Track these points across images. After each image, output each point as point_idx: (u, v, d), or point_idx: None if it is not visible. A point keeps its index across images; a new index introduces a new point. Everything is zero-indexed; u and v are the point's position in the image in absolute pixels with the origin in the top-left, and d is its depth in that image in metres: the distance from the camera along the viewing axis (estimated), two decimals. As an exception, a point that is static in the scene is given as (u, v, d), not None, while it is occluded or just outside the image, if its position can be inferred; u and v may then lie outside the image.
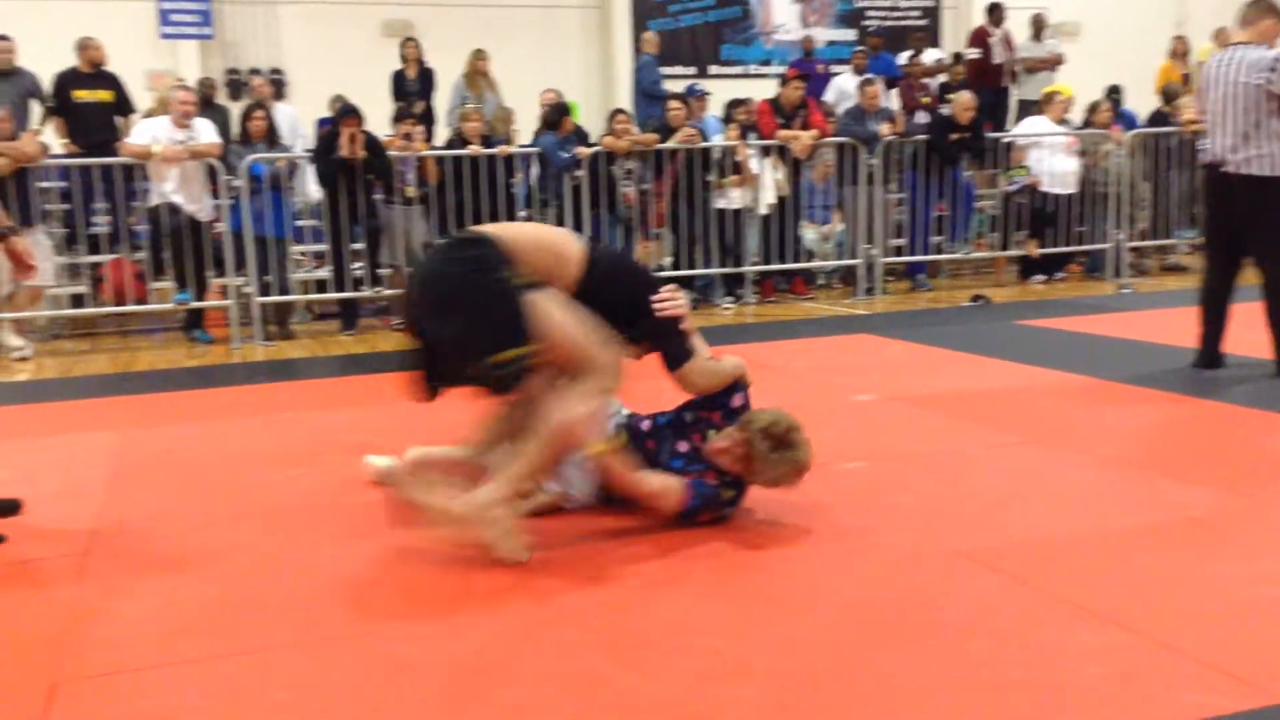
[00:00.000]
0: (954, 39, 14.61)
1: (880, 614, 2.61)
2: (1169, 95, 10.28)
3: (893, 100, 10.45)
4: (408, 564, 3.07)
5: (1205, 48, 11.96)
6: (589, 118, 9.44)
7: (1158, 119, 10.19)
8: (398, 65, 9.86)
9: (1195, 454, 3.91)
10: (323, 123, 9.66)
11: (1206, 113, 5.35)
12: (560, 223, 8.36)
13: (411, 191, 8.04)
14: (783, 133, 8.83)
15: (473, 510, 2.98)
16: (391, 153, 7.92)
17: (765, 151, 8.82)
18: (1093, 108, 9.87)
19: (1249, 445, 4.03)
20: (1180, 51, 12.03)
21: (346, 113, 7.73)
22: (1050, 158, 9.40)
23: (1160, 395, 4.81)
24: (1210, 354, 5.32)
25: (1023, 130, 9.78)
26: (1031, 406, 4.73)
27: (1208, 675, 2.23)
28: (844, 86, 10.85)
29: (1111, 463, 3.81)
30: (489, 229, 3.18)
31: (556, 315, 3.00)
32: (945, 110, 9.94)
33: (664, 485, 3.24)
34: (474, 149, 8.03)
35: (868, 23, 15.04)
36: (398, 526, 3.14)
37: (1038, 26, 11.64)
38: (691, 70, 14.43)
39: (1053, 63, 11.57)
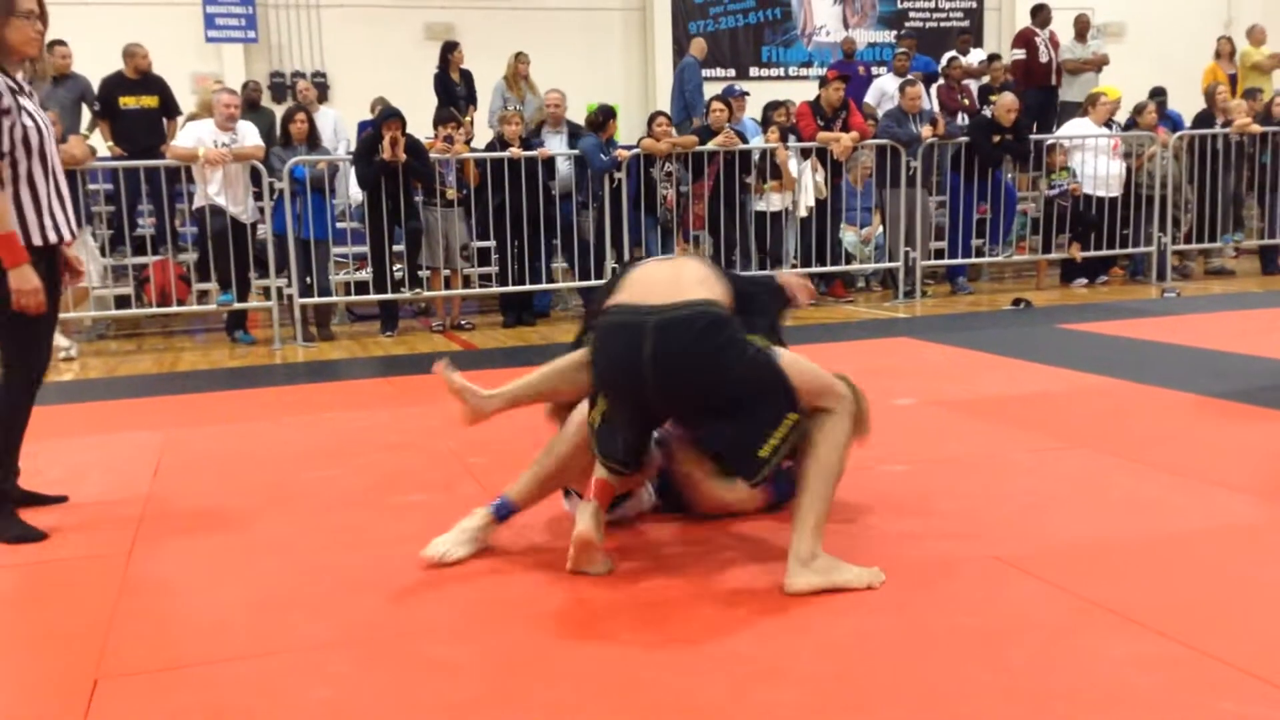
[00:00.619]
0: (996, 40, 14.50)
1: (920, 619, 2.59)
2: (1209, 96, 10.14)
3: (933, 102, 10.39)
4: (446, 564, 3.08)
5: (1246, 49, 11.80)
6: (628, 120, 9.46)
7: (1203, 120, 10.05)
8: (437, 68, 9.92)
9: (1242, 461, 3.84)
10: (364, 125, 9.75)
11: None
12: (600, 225, 8.39)
13: (452, 193, 8.09)
14: (823, 135, 8.80)
15: (820, 574, 2.78)
16: (432, 155, 7.97)
17: (805, 154, 8.79)
18: (1138, 109, 9.76)
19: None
20: (1227, 52, 11.85)
21: (388, 115, 7.79)
22: (1094, 160, 9.29)
23: (1206, 401, 4.74)
24: None
25: (1066, 132, 9.68)
26: (1073, 411, 4.67)
27: (1249, 685, 2.19)
28: (886, 88, 10.79)
29: (1156, 468, 3.76)
30: (690, 289, 2.89)
31: (798, 363, 2.86)
32: (987, 112, 9.87)
33: (740, 498, 3.27)
34: (514, 151, 8.07)
35: (910, 24, 14.95)
36: None
37: (1082, 27, 11.51)
38: (731, 72, 14.41)
39: (1097, 64, 11.44)
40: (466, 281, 8.68)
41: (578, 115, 9.44)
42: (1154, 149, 9.46)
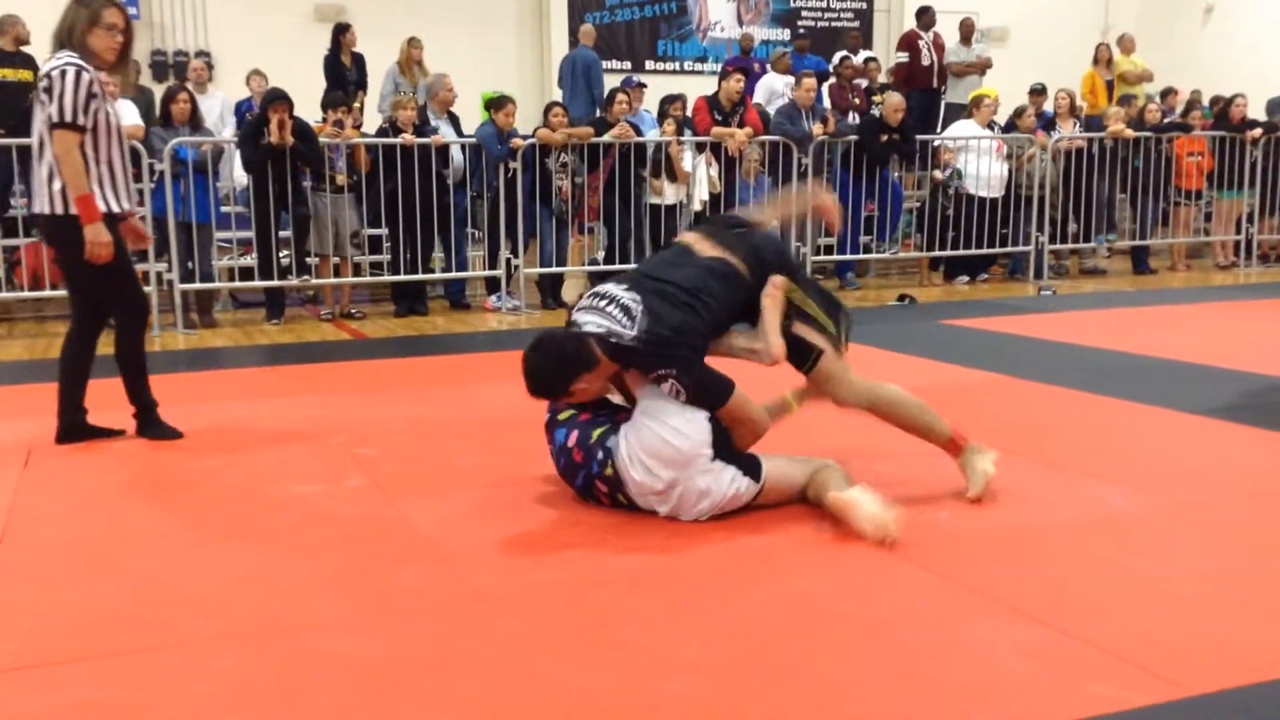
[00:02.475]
0: (885, 41, 14.80)
1: (809, 608, 2.64)
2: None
3: (824, 100, 10.57)
4: (335, 556, 3.03)
5: (1117, 58, 12.31)
6: (523, 110, 9.39)
7: (1084, 125, 10.45)
8: (328, 50, 9.71)
9: (1114, 454, 4.01)
10: (241, 104, 9.50)
11: None
12: (494, 215, 8.32)
13: (342, 179, 7.93)
14: (717, 130, 8.88)
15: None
16: (322, 139, 7.80)
17: (699, 148, 8.85)
18: (1019, 112, 10.08)
19: (1169, 445, 4.15)
20: (1105, 59, 12.34)
21: (275, 98, 7.59)
22: (978, 161, 9.57)
23: (1080, 395, 4.93)
24: None
25: (951, 133, 9.95)
26: (955, 404, 4.80)
27: (1123, 669, 2.29)
28: (773, 86, 10.94)
29: (1034, 460, 3.89)
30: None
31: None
32: (875, 112, 10.08)
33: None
34: (407, 138, 7.95)
35: (802, 24, 15.17)
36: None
37: (966, 31, 11.84)
38: (627, 65, 14.41)
39: (980, 67, 11.79)
40: (357, 269, 8.52)
41: (472, 103, 9.33)
42: (1033, 150, 9.79)
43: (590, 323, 3.27)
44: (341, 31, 9.78)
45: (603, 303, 3.31)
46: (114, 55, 4.13)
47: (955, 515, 3.32)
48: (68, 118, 4.00)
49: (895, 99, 9.39)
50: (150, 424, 4.42)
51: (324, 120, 8.02)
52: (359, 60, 9.86)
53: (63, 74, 3.99)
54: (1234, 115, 10.43)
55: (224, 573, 2.92)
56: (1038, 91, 10.64)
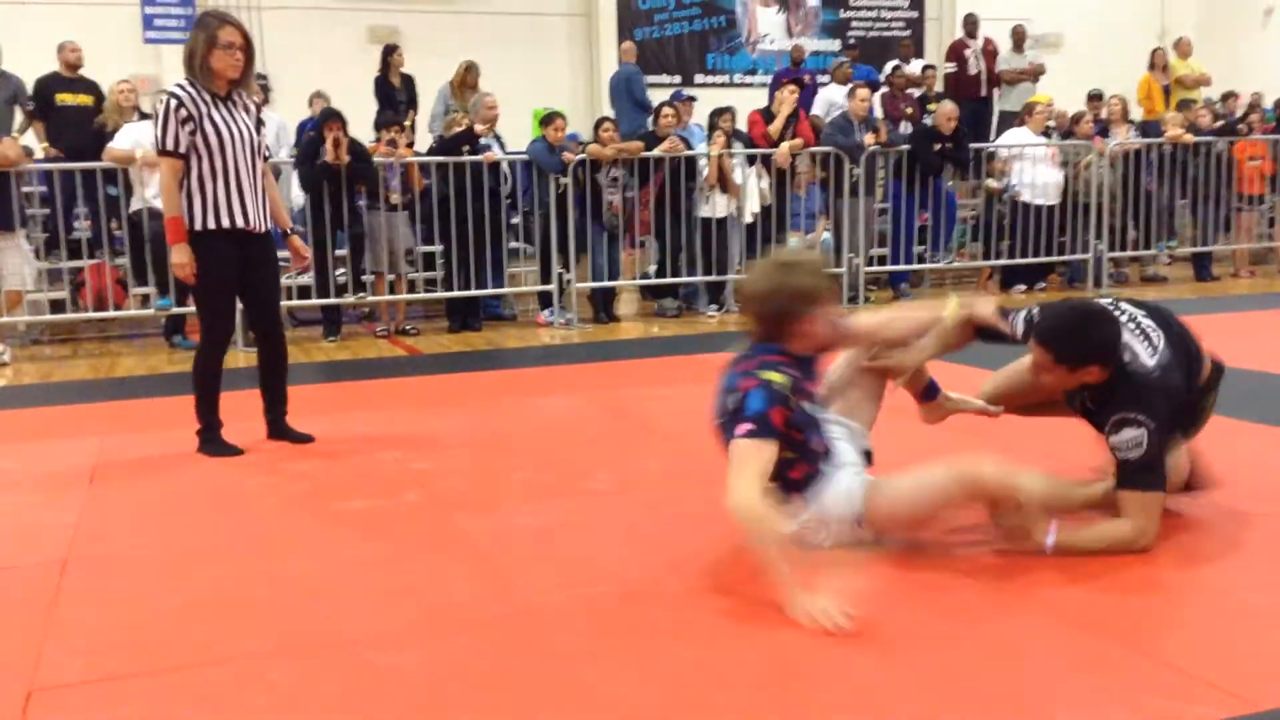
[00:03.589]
0: (937, 50, 14.69)
1: (861, 620, 2.61)
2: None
3: (876, 110, 10.52)
4: (391, 570, 3.06)
5: (1174, 62, 12.11)
6: (574, 125, 9.46)
7: (1141, 131, 10.28)
8: (379, 71, 9.85)
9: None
10: (304, 125, 9.64)
11: None
12: (546, 230, 8.37)
13: (396, 197, 8.03)
14: (767, 145, 8.87)
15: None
16: (376, 158, 7.91)
17: (750, 160, 8.84)
18: (1075, 119, 9.94)
19: (1236, 455, 4.06)
20: (1160, 64, 12.14)
21: (330, 116, 7.72)
22: (1033, 169, 9.46)
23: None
24: None
25: (1004, 141, 9.84)
26: (1012, 419, 4.74)
27: (1182, 682, 2.24)
28: (833, 98, 10.89)
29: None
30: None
31: None
32: (928, 121, 10.01)
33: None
34: (479, 129, 8.02)
35: (852, 34, 15.11)
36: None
37: (1018, 38, 11.72)
38: (677, 79, 14.46)
39: (1033, 74, 11.66)
40: (411, 286, 8.61)
41: (524, 120, 9.41)
42: (1090, 158, 9.65)
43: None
44: (390, 52, 9.92)
45: (1123, 317, 3.07)
46: (237, 72, 4.30)
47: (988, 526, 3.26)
48: (162, 145, 4.26)
49: (948, 107, 9.32)
50: (207, 441, 4.50)
51: (378, 140, 8.13)
52: (408, 81, 9.99)
53: (164, 103, 4.27)
54: (1296, 118, 10.21)
55: (282, 587, 2.96)
56: (1095, 97, 10.50)
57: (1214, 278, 10.19)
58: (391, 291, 8.31)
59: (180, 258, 4.27)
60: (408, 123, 9.33)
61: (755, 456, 2.77)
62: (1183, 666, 2.31)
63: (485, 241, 8.19)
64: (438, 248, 8.50)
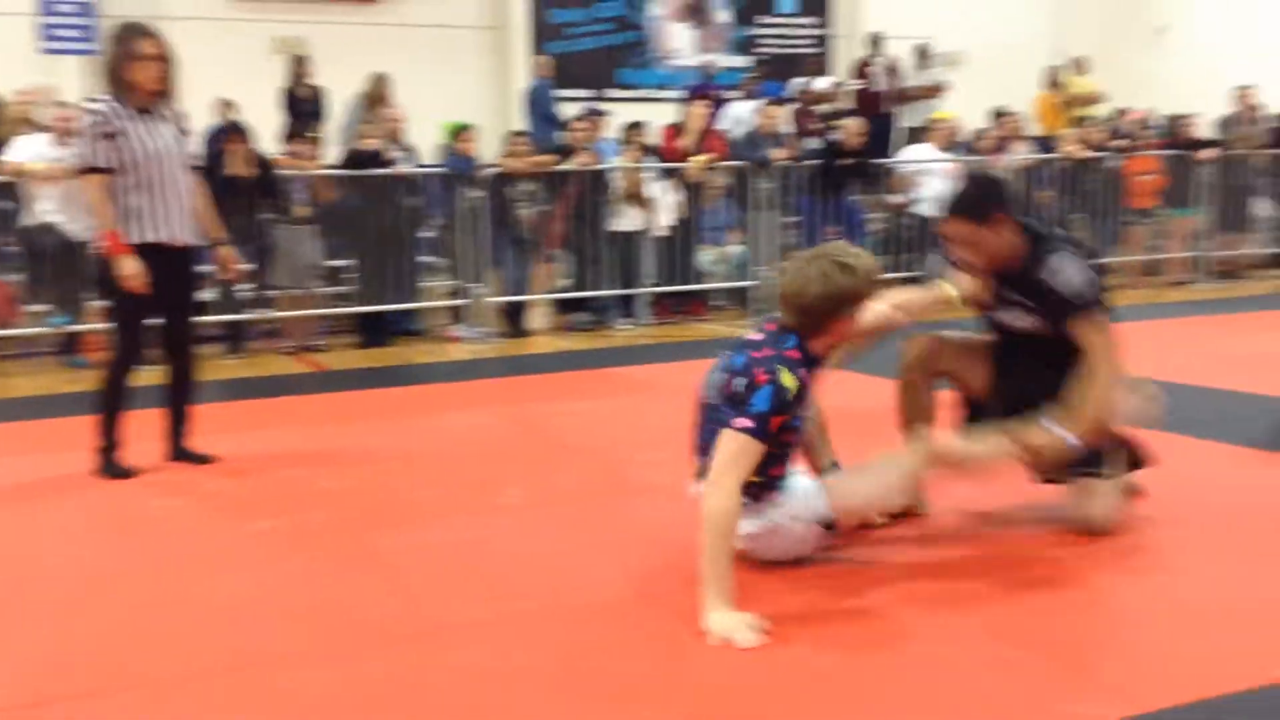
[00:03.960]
0: (845, 67, 14.96)
1: (787, 629, 2.63)
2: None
3: (786, 125, 10.67)
4: (299, 591, 3.00)
5: (1071, 79, 12.54)
6: (485, 140, 9.41)
7: (1039, 146, 10.60)
8: (288, 81, 9.70)
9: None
10: (213, 132, 9.45)
11: None
12: (455, 244, 8.32)
13: (302, 211, 7.90)
14: (679, 159, 8.94)
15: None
16: (282, 171, 7.77)
17: (663, 174, 8.90)
18: (977, 135, 10.20)
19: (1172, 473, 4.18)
20: (1057, 81, 12.54)
21: (233, 130, 7.57)
22: (937, 183, 9.67)
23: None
24: None
25: (908, 156, 10.05)
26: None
27: (1094, 686, 2.31)
28: (738, 114, 11.01)
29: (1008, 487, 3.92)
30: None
31: None
32: (834, 136, 10.19)
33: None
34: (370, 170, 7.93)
35: (762, 50, 15.32)
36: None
37: (922, 56, 12.00)
38: (589, 93, 14.49)
39: (936, 91, 11.95)
40: (318, 302, 8.47)
41: (433, 134, 9.31)
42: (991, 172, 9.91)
43: None
44: (298, 63, 9.77)
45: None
46: (158, 84, 4.25)
47: (937, 536, 3.33)
48: (87, 161, 4.17)
49: (853, 123, 9.49)
50: (106, 462, 4.36)
51: (282, 153, 7.99)
52: (316, 92, 9.85)
53: (85, 118, 4.22)
54: (1184, 134, 10.61)
55: (190, 610, 2.89)
56: (998, 114, 10.79)
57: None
58: (297, 307, 8.16)
59: (130, 269, 4.15)
60: (315, 135, 9.19)
61: (746, 456, 2.81)
62: (1087, 669, 2.38)
63: (395, 256, 8.10)
64: (346, 262, 8.37)
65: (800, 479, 3.10)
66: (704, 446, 2.98)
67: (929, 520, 3.45)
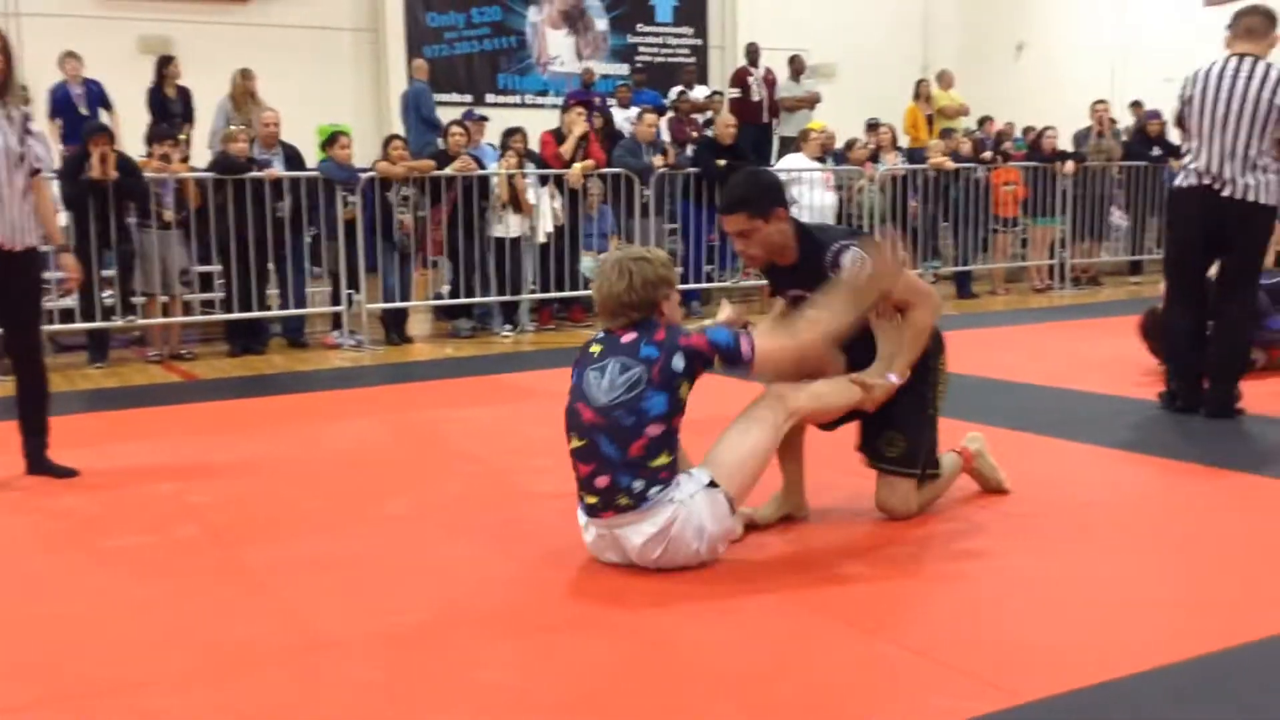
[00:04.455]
0: (721, 77, 15.17)
1: (658, 638, 2.65)
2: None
3: (663, 134, 10.77)
4: (166, 610, 2.89)
5: (936, 93, 12.98)
6: (362, 143, 9.24)
7: (908, 157, 10.92)
8: (152, 83, 9.39)
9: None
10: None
11: (1200, 128, 4.78)
12: (335, 251, 8.15)
13: (169, 215, 7.64)
14: (559, 165, 8.93)
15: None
16: (148, 174, 7.50)
17: (543, 180, 8.87)
18: (849, 145, 10.45)
19: (1033, 469, 4.34)
20: (925, 94, 12.96)
21: (95, 130, 7.28)
22: (810, 192, 9.88)
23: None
24: (1192, 392, 4.96)
25: (783, 166, 10.25)
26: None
27: (960, 680, 2.38)
28: (617, 122, 11.08)
29: (866, 478, 4.02)
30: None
31: None
32: (709, 132, 10.33)
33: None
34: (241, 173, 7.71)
35: (640, 59, 15.41)
36: None
37: (797, 69, 12.26)
38: (468, 98, 14.36)
39: (810, 102, 12.21)
40: (187, 308, 8.20)
41: (308, 137, 9.13)
42: (863, 182, 10.17)
43: None
44: (165, 64, 9.47)
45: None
46: None
47: (798, 536, 3.40)
48: None
49: (725, 116, 9.66)
50: None
51: (149, 154, 7.72)
52: (184, 93, 9.55)
53: None
54: (1045, 147, 11.07)
55: (48, 631, 2.75)
56: (872, 126, 11.08)
57: (974, 295, 10.90)
58: (165, 314, 7.89)
59: None
60: (183, 136, 8.91)
61: (767, 336, 3.21)
62: (955, 663, 2.45)
63: (268, 261, 7.89)
64: (216, 267, 8.13)
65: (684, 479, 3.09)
66: (608, 460, 2.97)
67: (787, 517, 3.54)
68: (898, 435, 3.41)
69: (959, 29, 17.80)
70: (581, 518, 3.14)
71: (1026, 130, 12.11)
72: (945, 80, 13.21)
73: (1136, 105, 12.93)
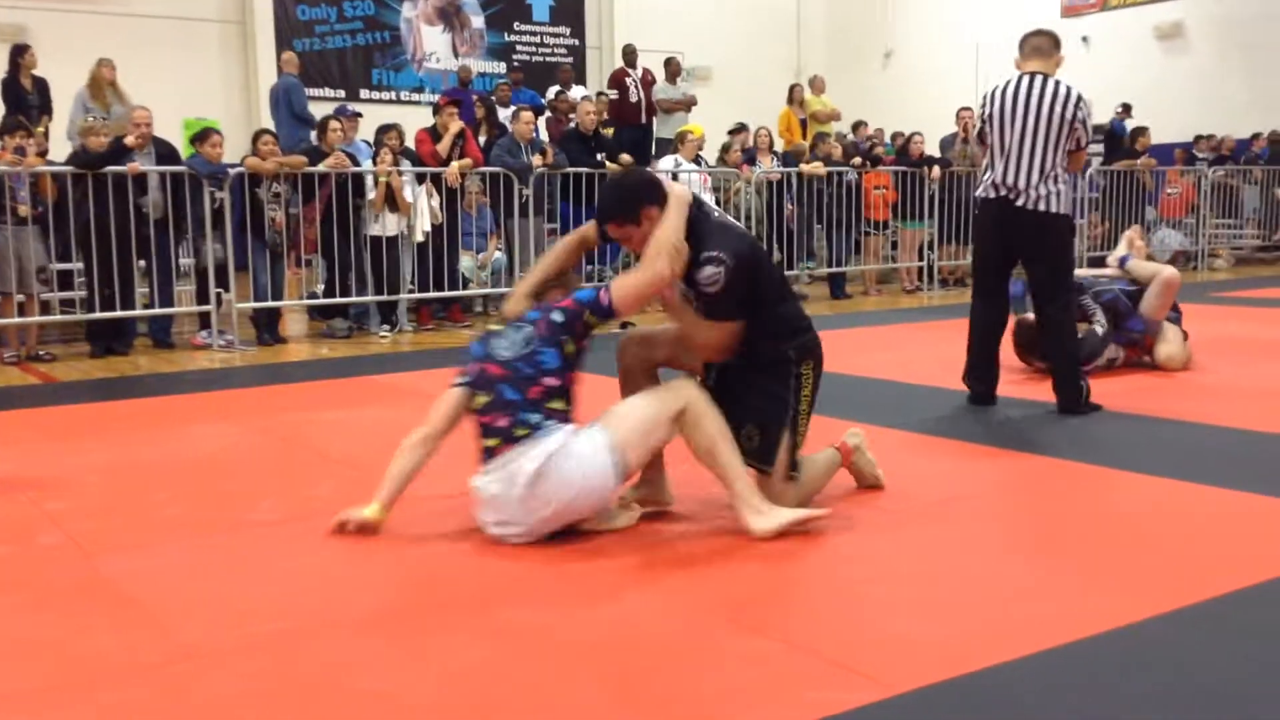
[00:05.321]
0: (598, 77, 15.23)
1: (538, 637, 2.64)
2: (796, 156, 11.19)
3: (541, 133, 10.76)
4: (24, 622, 2.76)
5: (809, 98, 13.27)
6: (231, 137, 8.97)
7: (783, 160, 11.13)
8: (5, 72, 8.96)
9: (845, 475, 4.25)
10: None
11: (1000, 142, 5.05)
12: (198, 249, 7.90)
13: (25, 210, 7.29)
14: (435, 164, 8.83)
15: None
16: (1, 167, 7.15)
17: (420, 179, 8.76)
18: (725, 148, 10.60)
19: (902, 466, 4.45)
20: (799, 98, 13.22)
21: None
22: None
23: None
24: (987, 390, 5.30)
25: (660, 167, 10.33)
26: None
27: (835, 673, 2.43)
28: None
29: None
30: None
31: None
32: (573, 123, 10.38)
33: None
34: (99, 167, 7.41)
35: (517, 58, 15.34)
36: None
37: (673, 71, 12.37)
38: (340, 93, 14.10)
39: (687, 104, 12.35)
40: (45, 307, 7.84)
41: (173, 131, 8.83)
42: (739, 184, 10.32)
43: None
44: (20, 53, 9.04)
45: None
46: None
47: (682, 531, 3.43)
48: None
49: (586, 105, 9.74)
50: None
51: (2, 147, 7.36)
52: (41, 84, 9.14)
53: None
54: (913, 152, 11.41)
55: (-113, 653, 2.60)
56: (737, 130, 11.25)
57: (847, 296, 11.17)
58: (21, 313, 7.53)
59: None
60: (39, 129, 8.52)
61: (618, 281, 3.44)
62: (832, 657, 2.51)
63: (130, 258, 7.60)
64: (76, 265, 7.80)
65: (572, 439, 3.26)
66: (510, 403, 3.25)
67: (660, 509, 3.59)
68: (755, 430, 3.47)
69: (830, 36, 18.22)
70: (477, 483, 3.30)
71: (895, 135, 12.46)
72: (817, 85, 13.51)
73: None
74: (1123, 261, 6.47)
